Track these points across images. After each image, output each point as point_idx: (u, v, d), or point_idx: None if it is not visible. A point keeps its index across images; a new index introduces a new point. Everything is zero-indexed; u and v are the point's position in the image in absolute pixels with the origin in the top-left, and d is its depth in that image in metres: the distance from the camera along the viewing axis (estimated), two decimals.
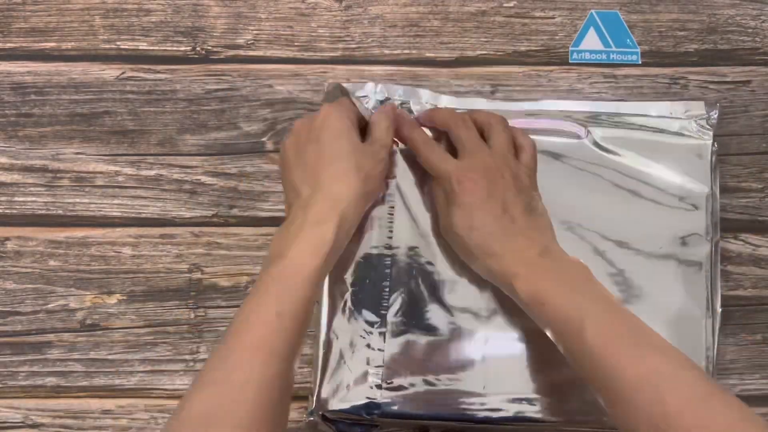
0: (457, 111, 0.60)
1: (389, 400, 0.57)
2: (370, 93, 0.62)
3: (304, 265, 0.49)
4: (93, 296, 0.63)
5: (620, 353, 0.47)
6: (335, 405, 0.57)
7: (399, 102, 0.62)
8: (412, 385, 0.58)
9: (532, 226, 0.54)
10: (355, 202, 0.53)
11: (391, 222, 0.59)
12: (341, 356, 0.58)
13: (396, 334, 0.58)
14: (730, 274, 0.64)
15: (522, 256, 0.52)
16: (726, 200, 0.64)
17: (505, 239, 0.53)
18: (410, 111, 0.62)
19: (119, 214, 0.64)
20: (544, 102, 0.63)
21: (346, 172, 0.53)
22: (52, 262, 0.63)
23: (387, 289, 0.59)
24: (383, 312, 0.58)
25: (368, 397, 0.57)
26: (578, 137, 0.62)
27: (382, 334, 0.58)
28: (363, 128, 0.58)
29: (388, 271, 0.59)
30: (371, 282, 0.59)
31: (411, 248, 0.59)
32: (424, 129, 0.60)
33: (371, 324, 0.58)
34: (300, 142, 0.55)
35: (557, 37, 0.67)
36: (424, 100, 0.62)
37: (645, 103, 0.63)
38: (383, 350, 0.58)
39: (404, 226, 0.59)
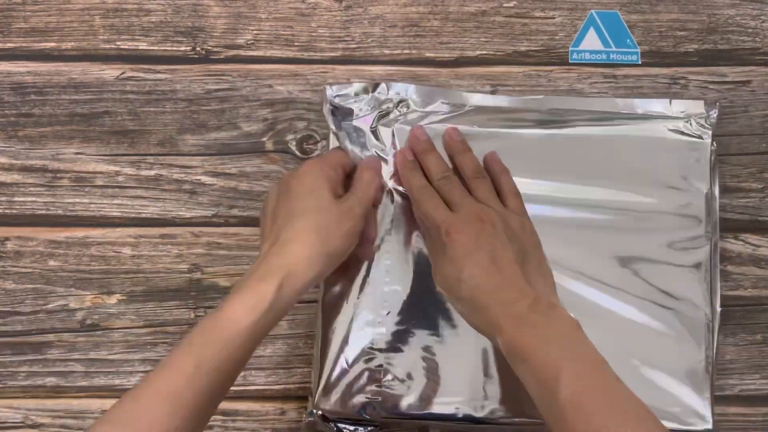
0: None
1: (389, 400, 0.57)
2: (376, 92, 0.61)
3: (236, 321, 0.48)
4: (93, 296, 0.63)
5: (592, 419, 0.46)
6: (335, 405, 0.57)
7: (398, 101, 0.61)
8: (412, 385, 0.58)
9: (522, 276, 0.52)
10: (308, 260, 0.51)
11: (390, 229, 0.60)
12: (341, 356, 0.58)
13: (396, 334, 0.58)
14: (730, 274, 0.64)
15: (509, 310, 0.50)
16: (726, 200, 0.64)
17: (492, 292, 0.51)
18: (410, 105, 0.61)
19: (119, 214, 0.64)
20: (545, 99, 0.63)
21: (305, 230, 0.52)
22: (52, 262, 0.63)
23: (387, 289, 0.59)
24: (383, 312, 0.58)
25: (368, 397, 0.57)
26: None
27: (382, 334, 0.58)
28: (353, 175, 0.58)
29: (388, 271, 0.59)
30: (371, 282, 0.59)
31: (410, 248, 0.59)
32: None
33: (371, 324, 0.58)
34: (279, 194, 0.55)
35: (557, 37, 0.67)
36: (424, 97, 0.62)
37: (644, 99, 0.63)
38: (383, 350, 0.58)
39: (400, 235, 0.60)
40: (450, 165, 0.59)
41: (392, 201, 0.60)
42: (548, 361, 0.48)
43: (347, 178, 0.58)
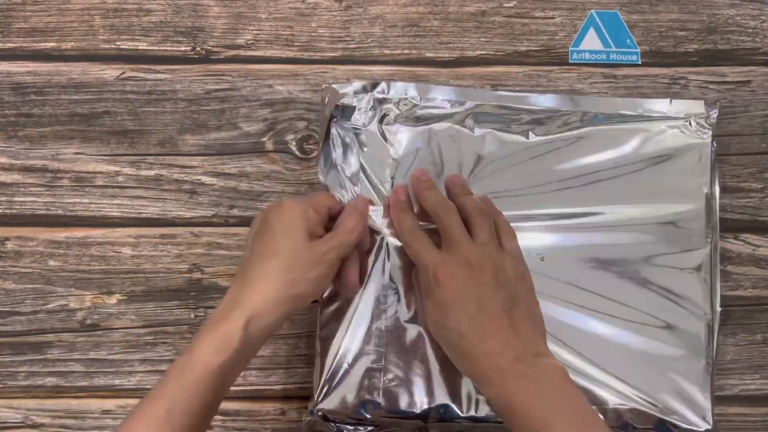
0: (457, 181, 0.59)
1: (389, 400, 0.57)
2: (354, 89, 0.61)
3: (205, 363, 0.48)
4: (93, 296, 0.63)
5: None
6: (335, 405, 0.57)
7: (399, 100, 0.61)
8: (412, 384, 0.58)
9: (510, 325, 0.51)
10: (274, 302, 0.51)
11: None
12: (341, 356, 0.58)
13: (396, 333, 0.58)
14: (730, 274, 0.64)
15: (494, 361, 0.50)
16: (726, 200, 0.64)
17: (478, 341, 0.50)
18: (414, 104, 0.61)
19: (119, 214, 0.64)
20: (545, 97, 0.63)
21: (273, 270, 0.52)
22: (52, 262, 0.63)
23: (386, 289, 0.59)
24: (383, 311, 0.58)
25: (368, 397, 0.57)
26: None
27: (382, 333, 0.58)
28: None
29: (387, 270, 0.59)
30: (371, 281, 0.59)
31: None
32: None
33: (371, 323, 0.58)
34: (258, 229, 0.54)
35: (557, 37, 0.67)
36: (424, 96, 0.62)
37: (645, 99, 0.63)
38: (383, 350, 0.58)
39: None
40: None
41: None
42: (536, 417, 0.48)
43: (331, 220, 0.57)
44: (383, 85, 0.61)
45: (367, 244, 0.58)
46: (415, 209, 0.58)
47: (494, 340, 0.50)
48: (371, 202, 0.59)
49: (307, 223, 0.53)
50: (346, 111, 0.60)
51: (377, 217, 0.59)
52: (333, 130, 0.60)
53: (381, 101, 0.61)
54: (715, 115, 0.62)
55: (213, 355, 0.49)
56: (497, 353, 0.50)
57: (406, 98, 0.61)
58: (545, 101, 0.63)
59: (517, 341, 0.50)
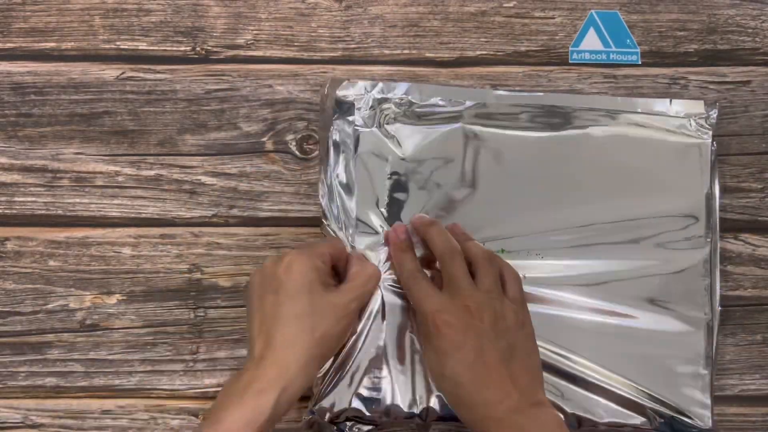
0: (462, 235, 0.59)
1: (389, 400, 0.57)
2: (363, 91, 0.62)
3: None
4: (93, 296, 0.63)
5: None
6: (335, 404, 0.57)
7: (398, 100, 0.62)
8: (413, 383, 0.58)
9: (508, 375, 0.51)
10: (305, 367, 0.51)
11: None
12: (341, 355, 0.58)
13: (396, 333, 0.58)
14: (730, 274, 0.64)
15: (491, 411, 0.50)
16: (726, 200, 0.64)
17: (476, 391, 0.50)
18: (411, 103, 0.61)
19: (119, 214, 0.64)
20: (544, 96, 0.63)
21: (299, 335, 0.51)
22: (52, 262, 0.63)
23: (386, 288, 0.59)
24: (382, 310, 0.58)
25: (369, 396, 0.57)
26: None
27: (382, 333, 0.58)
28: (342, 265, 0.57)
29: (385, 265, 0.59)
30: None
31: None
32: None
33: (371, 321, 0.58)
34: (264, 287, 0.53)
35: (557, 37, 0.67)
36: (424, 95, 0.62)
37: (644, 99, 0.63)
38: (383, 349, 0.58)
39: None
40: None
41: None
42: None
43: (333, 267, 0.56)
44: (381, 85, 0.61)
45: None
46: (414, 239, 0.58)
47: (492, 391, 0.50)
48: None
49: (319, 276, 0.53)
50: (345, 108, 0.60)
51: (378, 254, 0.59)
52: (333, 128, 0.60)
53: (381, 101, 0.61)
54: (715, 115, 0.62)
55: (244, 428, 0.48)
56: (495, 403, 0.50)
57: (406, 98, 0.61)
58: (544, 100, 0.63)
59: (515, 392, 0.50)
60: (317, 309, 0.52)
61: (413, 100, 0.61)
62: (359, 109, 0.60)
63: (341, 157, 0.60)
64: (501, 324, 0.52)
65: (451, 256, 0.55)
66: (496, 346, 0.51)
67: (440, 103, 0.61)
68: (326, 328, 0.52)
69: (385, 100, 0.61)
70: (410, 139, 0.61)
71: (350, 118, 0.61)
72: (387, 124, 0.61)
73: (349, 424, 0.58)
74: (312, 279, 0.52)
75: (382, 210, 0.60)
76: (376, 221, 0.59)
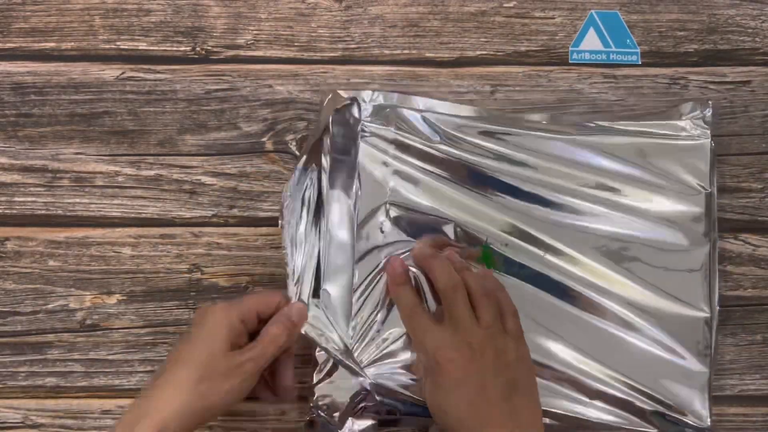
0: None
1: (389, 399, 0.57)
2: (366, 98, 0.62)
3: None
4: (93, 296, 0.63)
5: None
6: (335, 404, 0.57)
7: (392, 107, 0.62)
8: (413, 381, 0.58)
9: (509, 411, 0.51)
10: (180, 416, 0.50)
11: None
12: (341, 355, 0.58)
13: (396, 332, 0.58)
14: (730, 274, 0.64)
15: None
16: (726, 200, 0.64)
17: (477, 427, 0.51)
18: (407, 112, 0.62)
19: (119, 214, 0.64)
20: (541, 107, 0.63)
21: (184, 380, 0.51)
22: (51, 263, 0.63)
23: (387, 286, 0.59)
24: (382, 309, 0.58)
25: (368, 396, 0.57)
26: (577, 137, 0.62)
27: (382, 332, 0.58)
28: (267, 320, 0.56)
29: (383, 263, 0.59)
30: (371, 276, 0.59)
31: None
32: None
33: (371, 322, 0.58)
34: (187, 330, 0.54)
35: (557, 37, 0.67)
36: (421, 106, 0.62)
37: (644, 99, 0.63)
38: (383, 348, 0.58)
39: None
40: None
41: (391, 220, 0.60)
42: None
43: (262, 323, 0.56)
44: (378, 95, 0.62)
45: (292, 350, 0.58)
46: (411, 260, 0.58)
47: (493, 428, 0.50)
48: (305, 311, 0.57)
49: (229, 332, 0.53)
50: (346, 115, 0.61)
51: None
52: (331, 133, 0.60)
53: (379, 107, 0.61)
54: (710, 114, 0.62)
55: None
56: None
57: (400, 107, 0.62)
58: (542, 108, 0.63)
59: (517, 428, 0.51)
60: (209, 362, 0.52)
61: (411, 143, 0.61)
62: (361, 115, 0.61)
63: (304, 212, 0.60)
64: (502, 359, 0.53)
65: (453, 290, 0.54)
66: (498, 382, 0.52)
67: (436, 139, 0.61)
68: (212, 382, 0.52)
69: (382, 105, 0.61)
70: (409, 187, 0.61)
71: (351, 126, 0.61)
72: (386, 133, 0.61)
73: (349, 424, 0.58)
74: (218, 334, 0.53)
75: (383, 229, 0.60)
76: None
